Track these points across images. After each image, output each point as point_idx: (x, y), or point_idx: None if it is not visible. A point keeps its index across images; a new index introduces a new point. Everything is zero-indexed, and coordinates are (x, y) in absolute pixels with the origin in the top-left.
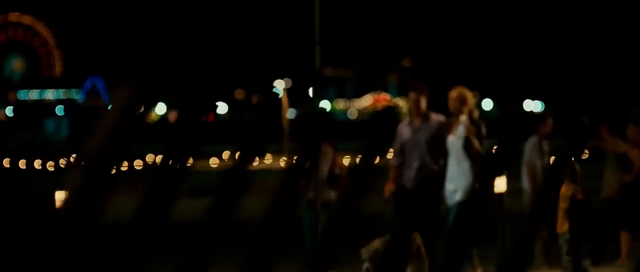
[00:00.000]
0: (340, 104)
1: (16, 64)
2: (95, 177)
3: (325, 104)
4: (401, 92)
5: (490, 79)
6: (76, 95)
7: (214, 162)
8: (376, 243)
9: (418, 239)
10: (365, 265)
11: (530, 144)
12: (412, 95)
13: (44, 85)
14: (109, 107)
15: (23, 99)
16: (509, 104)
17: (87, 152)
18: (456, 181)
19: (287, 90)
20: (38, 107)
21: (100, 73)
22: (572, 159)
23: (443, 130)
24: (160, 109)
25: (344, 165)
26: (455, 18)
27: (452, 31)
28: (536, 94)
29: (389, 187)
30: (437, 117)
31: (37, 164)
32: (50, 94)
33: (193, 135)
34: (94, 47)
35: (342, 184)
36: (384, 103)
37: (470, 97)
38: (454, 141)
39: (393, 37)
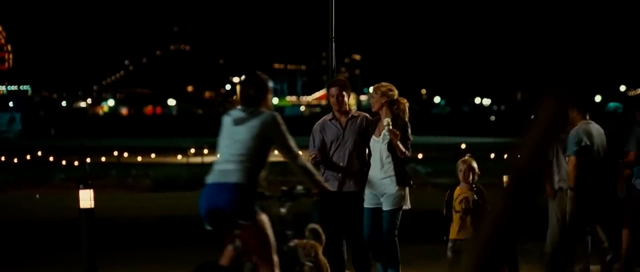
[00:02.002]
0: (291, 100)
1: None
2: (526, 190)
3: (274, 101)
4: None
5: (440, 76)
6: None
7: (179, 157)
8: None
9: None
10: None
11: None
12: (334, 90)
13: None
14: (536, 119)
15: None
16: (458, 101)
17: (514, 165)
18: (379, 186)
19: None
20: None
21: (50, 67)
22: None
23: (371, 129)
24: (110, 102)
25: None
26: (407, 15)
27: (402, 27)
28: (485, 92)
29: (314, 153)
30: (363, 115)
31: None
32: (1, 88)
33: None
34: (43, 42)
35: None
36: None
37: (396, 94)
38: (378, 143)
39: (344, 32)
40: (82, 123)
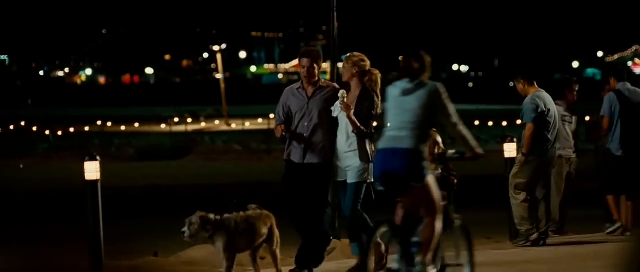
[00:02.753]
0: (269, 68)
1: None
2: None
3: (252, 69)
4: (327, 56)
5: (418, 43)
6: None
7: (163, 126)
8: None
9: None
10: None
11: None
12: (305, 61)
13: None
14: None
15: None
16: (436, 68)
17: None
18: (345, 159)
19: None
20: None
21: (27, 37)
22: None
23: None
24: (88, 71)
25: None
26: None
27: None
28: (462, 59)
29: (281, 129)
30: (331, 86)
31: None
32: None
33: None
34: (20, 11)
35: None
36: None
37: (368, 65)
38: (342, 114)
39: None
40: (60, 92)
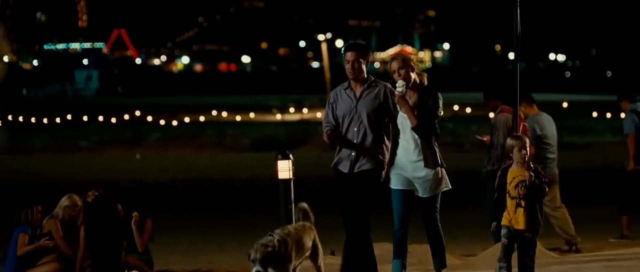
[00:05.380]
0: None
1: (41, 16)
2: None
3: None
4: (425, 45)
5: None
6: (101, 46)
7: (278, 116)
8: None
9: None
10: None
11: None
12: (350, 55)
13: (69, 38)
14: None
15: (49, 49)
16: (533, 57)
17: None
18: (414, 169)
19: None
20: (65, 58)
21: (124, 25)
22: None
23: (391, 100)
24: (185, 59)
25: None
26: None
27: None
28: (559, 48)
29: (330, 132)
30: (382, 85)
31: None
32: (75, 46)
33: None
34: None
35: None
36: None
37: (418, 69)
38: (404, 119)
39: None
40: (157, 81)
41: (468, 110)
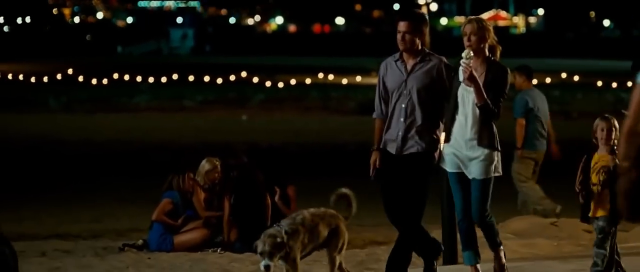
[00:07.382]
0: (459, 21)
1: None
2: None
3: (443, 21)
4: (519, 10)
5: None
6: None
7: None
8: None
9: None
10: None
11: None
12: (402, 25)
13: None
14: None
15: (143, 7)
16: (628, 24)
17: None
18: (469, 148)
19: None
20: (160, 16)
21: None
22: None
23: (446, 76)
24: (278, 20)
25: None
26: None
27: None
28: None
29: (375, 157)
30: (437, 59)
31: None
32: (169, 4)
33: None
34: None
35: None
36: (501, 21)
37: (490, 28)
38: (470, 93)
39: None
40: (250, 40)
41: (576, 78)
